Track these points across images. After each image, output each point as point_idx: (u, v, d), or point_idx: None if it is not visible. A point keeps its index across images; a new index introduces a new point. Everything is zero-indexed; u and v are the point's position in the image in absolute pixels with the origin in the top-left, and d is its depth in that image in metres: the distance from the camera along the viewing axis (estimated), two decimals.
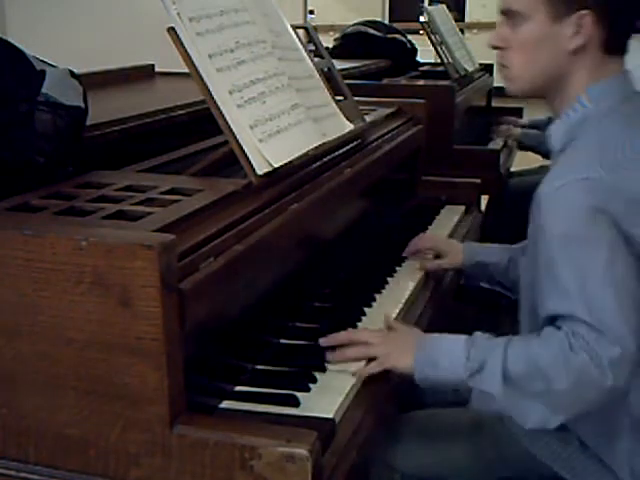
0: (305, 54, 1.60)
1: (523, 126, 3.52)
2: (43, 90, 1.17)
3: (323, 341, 1.26)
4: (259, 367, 1.21)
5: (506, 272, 1.62)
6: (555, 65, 1.28)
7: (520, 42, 1.29)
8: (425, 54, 4.15)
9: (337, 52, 3.63)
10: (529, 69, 1.30)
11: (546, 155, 3.36)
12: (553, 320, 1.19)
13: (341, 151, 1.56)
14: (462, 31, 7.48)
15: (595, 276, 1.14)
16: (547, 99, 1.34)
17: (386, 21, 9.06)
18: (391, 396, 1.24)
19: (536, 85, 1.31)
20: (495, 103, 4.05)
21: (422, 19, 3.52)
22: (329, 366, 1.21)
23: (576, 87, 1.28)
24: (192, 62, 1.19)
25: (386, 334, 1.32)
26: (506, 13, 1.31)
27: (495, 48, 1.33)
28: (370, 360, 1.24)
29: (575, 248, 1.16)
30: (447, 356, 1.20)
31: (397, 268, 1.67)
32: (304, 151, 1.36)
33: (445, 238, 1.89)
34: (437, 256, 1.72)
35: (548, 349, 1.15)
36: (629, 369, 1.14)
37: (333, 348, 1.25)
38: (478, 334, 1.23)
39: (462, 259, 1.67)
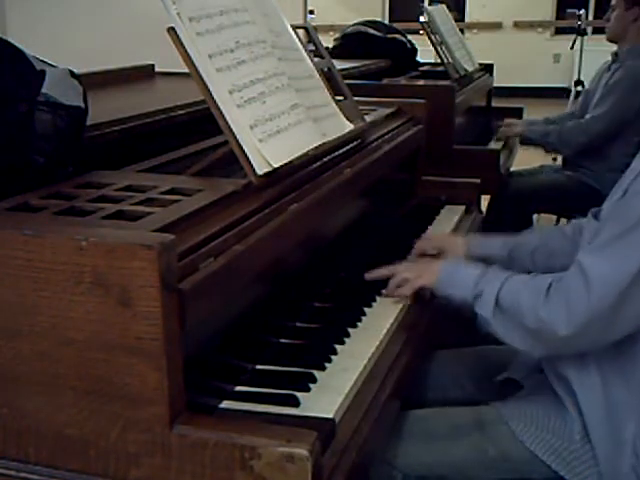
0: (305, 54, 1.60)
1: (529, 124, 3.53)
2: (43, 90, 1.17)
3: (368, 276, 1.53)
4: (259, 367, 1.21)
5: (508, 264, 1.61)
6: None
7: None
8: (425, 54, 4.15)
9: (337, 52, 3.64)
10: None
11: (549, 148, 3.37)
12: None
13: (341, 151, 1.56)
14: (462, 31, 7.48)
15: (633, 257, 1.18)
16: None
17: (386, 21, 9.09)
18: (393, 395, 1.24)
19: None
20: (495, 103, 4.05)
21: (422, 19, 3.52)
22: (328, 365, 1.22)
23: None
24: (192, 62, 1.19)
25: (418, 262, 1.61)
26: None
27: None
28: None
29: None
30: (462, 279, 1.40)
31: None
32: (304, 151, 1.36)
33: (445, 235, 1.89)
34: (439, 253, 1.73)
35: (530, 290, 1.29)
36: (590, 337, 1.24)
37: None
38: (494, 267, 1.42)
39: (464, 254, 1.68)
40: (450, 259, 1.69)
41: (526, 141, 3.40)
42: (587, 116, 3.22)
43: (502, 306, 1.31)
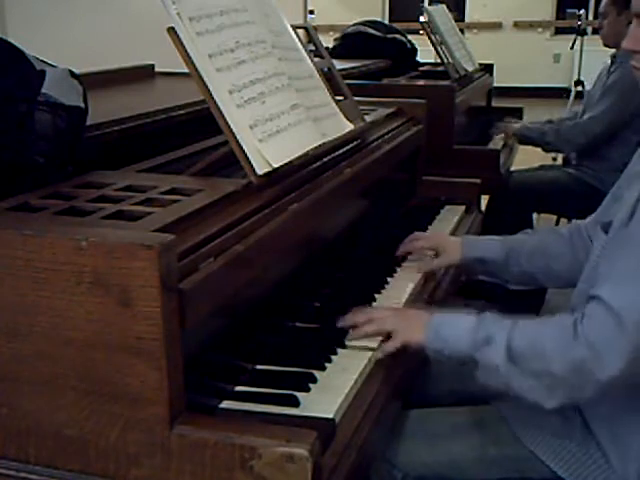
0: (305, 54, 1.60)
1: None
2: (43, 90, 1.17)
3: (342, 322, 1.32)
4: (259, 367, 1.21)
5: (505, 266, 1.61)
6: None
7: None
8: (425, 54, 4.15)
9: (337, 52, 3.64)
10: None
11: (547, 147, 3.38)
12: (590, 299, 1.18)
13: (341, 151, 1.56)
14: (462, 31, 7.49)
15: None
16: None
17: (386, 21, 9.08)
18: (393, 395, 1.24)
19: None
20: (495, 103, 4.05)
21: (422, 19, 3.52)
22: (328, 365, 1.22)
23: None
24: (192, 62, 1.19)
25: (399, 309, 1.40)
26: (639, 16, 1.28)
27: (630, 52, 1.31)
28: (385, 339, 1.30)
29: None
30: (457, 329, 1.24)
31: (397, 268, 1.67)
32: (304, 151, 1.36)
33: (441, 235, 1.87)
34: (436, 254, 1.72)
35: (553, 331, 1.17)
36: (632, 368, 1.13)
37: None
38: (488, 313, 1.26)
39: (459, 256, 1.66)
40: (441, 261, 1.68)
41: (524, 140, 3.40)
42: (585, 116, 3.22)
43: (516, 352, 1.17)
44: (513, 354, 1.18)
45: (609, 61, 3.29)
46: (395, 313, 1.35)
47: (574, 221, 1.63)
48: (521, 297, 1.84)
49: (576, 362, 1.14)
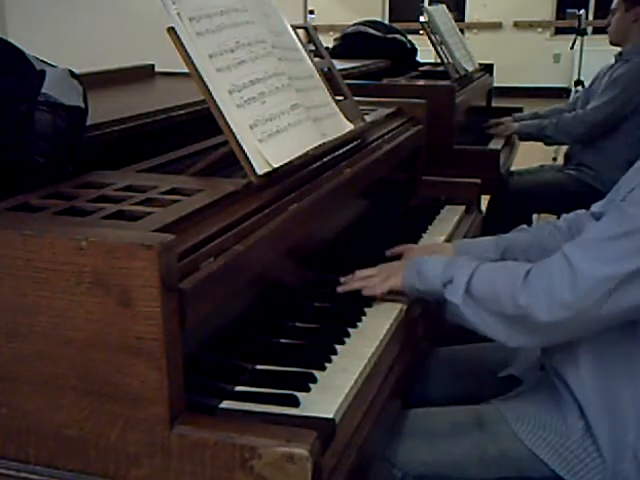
0: (305, 54, 1.60)
1: (520, 119, 3.53)
2: (43, 90, 1.17)
3: (340, 289, 1.46)
4: (259, 367, 1.21)
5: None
6: None
7: None
8: (425, 54, 4.15)
9: (337, 52, 3.64)
10: None
11: (547, 140, 3.38)
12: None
13: (341, 151, 1.56)
14: (462, 31, 7.49)
15: (633, 261, 1.16)
16: None
17: (386, 21, 9.08)
18: (393, 395, 1.24)
19: None
20: (495, 103, 4.05)
21: (422, 19, 3.52)
22: (328, 365, 1.22)
23: None
24: (192, 62, 1.19)
25: (381, 265, 1.51)
26: None
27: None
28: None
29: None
30: (430, 269, 1.37)
31: None
32: (304, 151, 1.36)
33: (434, 243, 1.82)
34: None
35: (507, 276, 1.26)
36: (570, 328, 1.22)
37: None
38: (461, 256, 1.41)
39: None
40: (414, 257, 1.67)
41: (524, 136, 3.41)
42: (587, 107, 3.22)
43: (474, 292, 1.28)
44: (471, 294, 1.28)
45: (613, 60, 3.29)
46: (378, 268, 1.49)
47: (574, 212, 1.63)
48: None
49: (521, 306, 1.21)
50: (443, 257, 1.42)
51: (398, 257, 1.63)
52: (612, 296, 1.17)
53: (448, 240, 1.87)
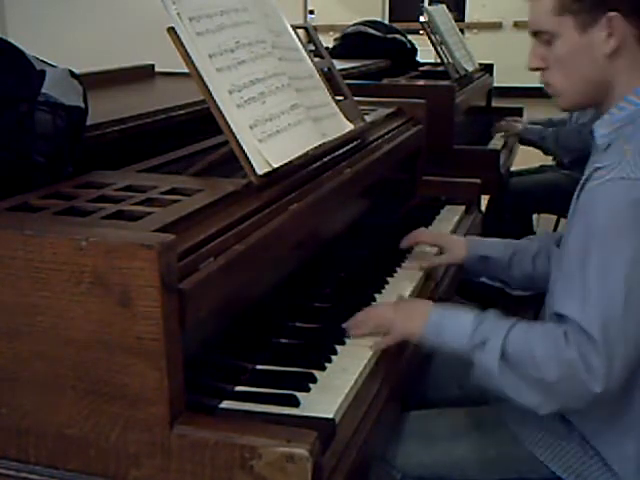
0: (305, 54, 1.60)
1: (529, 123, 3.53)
2: (43, 90, 1.17)
3: (346, 325, 1.33)
4: (259, 367, 1.21)
5: (508, 267, 1.61)
6: (596, 72, 1.27)
7: (557, 59, 1.29)
8: (425, 54, 4.15)
9: (337, 52, 3.64)
10: (572, 83, 1.30)
11: (546, 151, 3.37)
12: (559, 317, 1.19)
13: (341, 151, 1.56)
14: (462, 31, 7.48)
15: (608, 280, 1.14)
16: (597, 106, 1.33)
17: (386, 21, 9.08)
18: (393, 395, 1.24)
19: (583, 95, 1.31)
20: (495, 103, 4.05)
21: (422, 19, 3.52)
22: (328, 365, 1.22)
23: (623, 88, 1.27)
24: (192, 62, 1.19)
25: (397, 304, 1.38)
26: (536, 34, 1.31)
27: (535, 70, 1.33)
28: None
29: (604, 246, 1.16)
30: (455, 328, 1.24)
31: (397, 268, 1.67)
32: (304, 151, 1.36)
33: (446, 234, 1.89)
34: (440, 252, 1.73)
35: (545, 340, 1.17)
36: (621, 377, 1.15)
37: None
38: (490, 311, 1.25)
39: (464, 254, 1.66)
40: (446, 259, 1.69)
41: (525, 141, 3.40)
42: (573, 122, 3.22)
43: (510, 358, 1.18)
44: (507, 359, 1.18)
45: None
46: (394, 308, 1.35)
47: None
48: (519, 302, 1.85)
49: (568, 367, 1.14)
50: (466, 313, 1.26)
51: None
52: (628, 319, 1.14)
53: None
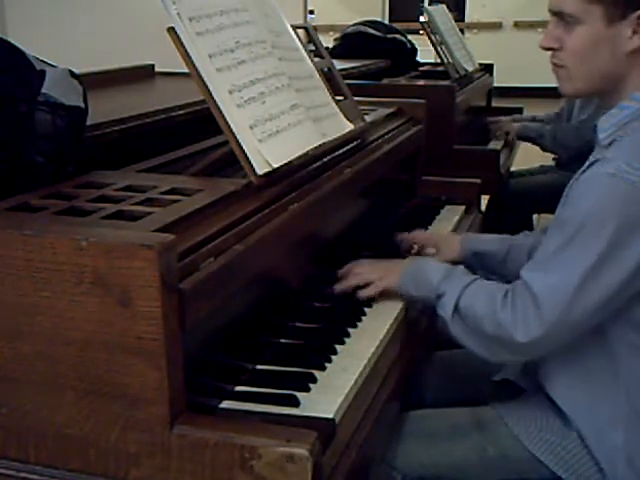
0: (305, 54, 1.60)
1: (518, 120, 3.53)
2: (43, 90, 1.17)
3: (337, 286, 1.46)
4: (259, 367, 1.21)
5: (504, 262, 1.63)
6: (612, 66, 1.27)
7: (575, 44, 1.28)
8: (425, 54, 4.15)
9: (337, 52, 3.64)
10: (585, 70, 1.30)
11: (545, 148, 3.37)
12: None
13: (341, 151, 1.56)
14: (462, 31, 7.48)
15: (580, 265, 1.19)
16: (601, 97, 1.34)
17: (386, 21, 9.08)
18: (393, 395, 1.24)
19: (591, 85, 1.31)
20: (495, 103, 4.05)
21: (422, 19, 3.52)
22: (328, 365, 1.22)
23: (633, 86, 1.28)
24: (192, 62, 1.19)
25: (375, 262, 1.52)
26: (557, 15, 1.30)
27: (547, 49, 1.33)
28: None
29: (584, 233, 1.19)
30: (426, 279, 1.38)
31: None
32: (304, 151, 1.36)
33: (440, 233, 1.89)
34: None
35: (486, 298, 1.29)
36: (549, 343, 1.25)
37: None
38: (459, 268, 1.41)
39: (457, 251, 1.68)
40: (440, 258, 1.69)
41: (523, 138, 3.40)
42: (574, 121, 3.22)
43: (461, 310, 1.31)
44: (458, 312, 1.31)
45: None
46: (374, 264, 1.50)
47: None
48: None
49: (500, 324, 1.25)
50: (441, 267, 1.40)
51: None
52: (574, 303, 1.19)
53: None
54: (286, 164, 1.28)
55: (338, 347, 1.28)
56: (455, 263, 1.70)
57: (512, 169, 3.52)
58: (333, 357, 1.24)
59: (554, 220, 1.30)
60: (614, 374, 1.27)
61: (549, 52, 1.34)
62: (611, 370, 1.27)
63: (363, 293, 1.44)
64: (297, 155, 1.33)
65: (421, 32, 3.58)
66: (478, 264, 1.67)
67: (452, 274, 1.37)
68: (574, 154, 3.21)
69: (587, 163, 1.27)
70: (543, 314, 1.21)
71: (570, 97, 1.31)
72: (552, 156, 4.77)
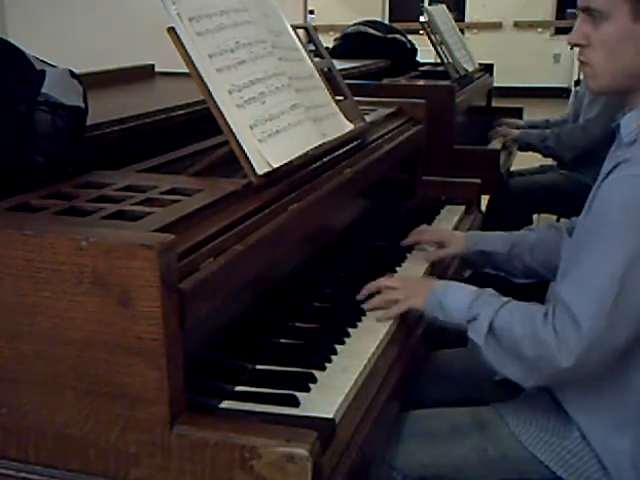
0: (305, 54, 1.60)
1: (521, 127, 3.52)
2: (43, 90, 1.17)
3: (359, 296, 1.44)
4: (259, 367, 1.21)
5: (509, 259, 1.65)
6: (637, 64, 1.27)
7: (601, 40, 1.28)
8: (425, 54, 4.15)
9: (337, 52, 3.64)
10: (611, 67, 1.29)
11: (546, 153, 3.37)
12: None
13: (341, 151, 1.56)
14: (462, 31, 7.48)
15: (606, 271, 1.17)
16: (624, 95, 1.33)
17: (386, 21, 9.08)
18: (393, 395, 1.24)
19: (615, 83, 1.31)
20: (495, 103, 4.05)
21: (422, 19, 3.52)
22: (328, 365, 1.22)
23: None
24: (192, 62, 1.19)
25: (405, 280, 1.51)
26: (585, 10, 1.29)
27: (575, 46, 1.33)
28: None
29: (610, 238, 1.19)
30: (453, 302, 1.34)
31: (397, 268, 1.67)
32: (304, 151, 1.36)
33: (445, 229, 1.91)
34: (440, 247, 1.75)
35: (525, 319, 1.24)
36: (594, 361, 1.21)
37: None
38: (488, 290, 1.35)
39: (463, 247, 1.70)
40: (445, 253, 1.71)
41: (524, 146, 3.39)
42: (581, 120, 3.21)
43: (495, 332, 1.27)
44: (493, 335, 1.27)
45: None
46: (402, 282, 1.47)
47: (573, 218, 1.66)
48: (525, 289, 1.87)
49: (540, 346, 1.21)
50: (468, 289, 1.36)
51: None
52: (614, 313, 1.17)
53: None
54: (286, 164, 1.28)
55: (338, 347, 1.28)
56: (461, 259, 1.73)
57: (512, 169, 3.52)
58: (333, 357, 1.24)
59: (579, 228, 1.29)
60: (625, 378, 1.26)
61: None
62: (622, 374, 1.26)
63: (387, 314, 1.40)
64: (297, 155, 1.33)
65: (421, 32, 3.58)
66: (484, 262, 1.69)
67: (482, 295, 1.33)
68: (580, 154, 3.21)
69: (611, 163, 1.26)
70: (583, 334, 1.17)
71: (595, 94, 1.30)
72: None
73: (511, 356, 1.25)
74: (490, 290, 1.36)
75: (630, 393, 1.26)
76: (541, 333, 1.21)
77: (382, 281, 1.46)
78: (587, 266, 1.21)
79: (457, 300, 1.34)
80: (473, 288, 1.36)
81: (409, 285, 1.45)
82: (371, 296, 1.45)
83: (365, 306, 1.42)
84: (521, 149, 3.44)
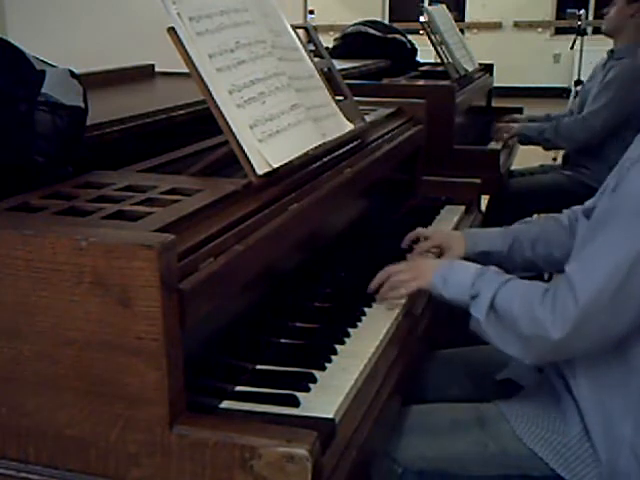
0: (305, 54, 1.60)
1: (521, 120, 3.53)
2: (43, 90, 1.17)
3: (370, 287, 1.48)
4: (259, 367, 1.21)
5: (508, 256, 1.65)
6: None
7: None
8: (425, 54, 4.15)
9: (337, 52, 3.64)
10: None
11: (546, 145, 3.37)
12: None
13: (341, 151, 1.56)
14: (462, 31, 7.49)
15: (618, 257, 1.18)
16: None
17: (386, 21, 9.09)
18: (393, 394, 1.24)
19: None
20: (495, 103, 4.05)
21: (422, 19, 3.52)
22: (328, 365, 1.22)
23: None
24: (192, 62, 1.19)
25: (412, 262, 1.56)
26: None
27: None
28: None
29: (625, 224, 1.19)
30: (458, 280, 1.37)
31: None
32: (304, 151, 1.36)
33: (443, 232, 1.87)
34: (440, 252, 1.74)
35: (523, 297, 1.27)
36: (587, 337, 1.23)
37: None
38: (491, 268, 1.38)
39: (463, 250, 1.69)
40: (446, 258, 1.70)
41: (524, 139, 3.39)
42: (584, 112, 3.21)
43: (496, 309, 1.29)
44: (494, 311, 1.29)
45: (605, 56, 3.29)
46: (409, 264, 1.52)
47: (573, 207, 1.66)
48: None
49: (536, 321, 1.23)
50: (473, 266, 1.39)
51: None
52: (621, 290, 1.18)
53: None
54: (286, 164, 1.28)
55: (338, 347, 1.28)
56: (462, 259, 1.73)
57: (512, 169, 3.52)
58: (333, 357, 1.25)
59: (602, 207, 1.28)
60: (632, 360, 1.26)
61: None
62: (629, 355, 1.26)
63: (394, 294, 1.45)
64: (297, 155, 1.33)
65: (421, 32, 3.58)
66: (484, 261, 1.68)
67: (486, 273, 1.36)
68: (582, 147, 3.21)
69: (638, 150, 1.27)
70: (580, 307, 1.19)
71: None
72: (552, 156, 4.77)
73: (510, 333, 1.28)
74: (494, 268, 1.39)
75: (636, 376, 1.26)
76: (537, 311, 1.23)
77: (390, 268, 1.49)
78: (600, 245, 1.21)
79: (461, 277, 1.37)
80: (477, 266, 1.39)
81: (416, 266, 1.49)
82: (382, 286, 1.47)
83: (378, 298, 1.46)
84: (521, 142, 3.44)
